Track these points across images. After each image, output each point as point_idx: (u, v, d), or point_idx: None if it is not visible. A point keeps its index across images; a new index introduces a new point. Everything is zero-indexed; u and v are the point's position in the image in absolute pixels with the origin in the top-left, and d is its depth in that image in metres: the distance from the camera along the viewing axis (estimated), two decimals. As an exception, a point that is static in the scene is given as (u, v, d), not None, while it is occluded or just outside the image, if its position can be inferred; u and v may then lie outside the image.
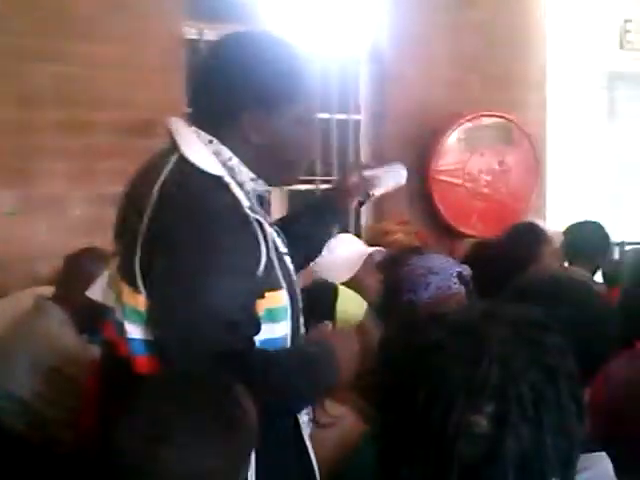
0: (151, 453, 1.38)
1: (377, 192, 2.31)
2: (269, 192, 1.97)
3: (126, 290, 1.72)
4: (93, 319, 2.82)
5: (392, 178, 2.31)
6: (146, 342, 1.71)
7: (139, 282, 1.69)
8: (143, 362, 1.72)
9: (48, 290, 3.05)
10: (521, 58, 5.65)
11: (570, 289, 1.90)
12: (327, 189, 2.30)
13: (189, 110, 1.90)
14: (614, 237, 4.43)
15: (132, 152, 4.05)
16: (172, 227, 1.67)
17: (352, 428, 2.29)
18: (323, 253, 3.11)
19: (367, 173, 2.29)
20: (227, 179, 1.75)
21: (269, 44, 1.85)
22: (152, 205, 1.70)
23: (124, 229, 1.82)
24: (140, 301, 1.69)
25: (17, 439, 2.66)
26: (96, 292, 2.78)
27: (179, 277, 1.66)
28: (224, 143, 1.80)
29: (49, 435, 2.68)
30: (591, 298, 1.90)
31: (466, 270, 2.79)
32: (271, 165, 1.85)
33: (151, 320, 1.69)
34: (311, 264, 3.11)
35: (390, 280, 2.82)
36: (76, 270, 2.92)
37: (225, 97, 1.79)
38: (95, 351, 2.86)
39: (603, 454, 1.58)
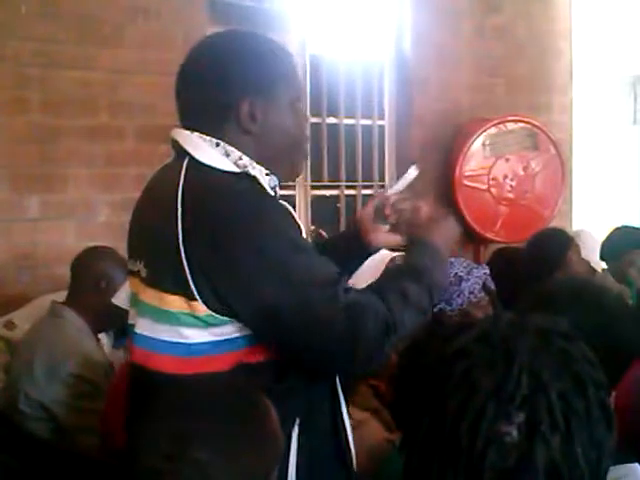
0: (173, 470, 1.35)
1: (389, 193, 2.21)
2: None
3: (174, 299, 1.69)
4: (109, 319, 2.84)
5: (401, 181, 2.20)
6: (216, 342, 1.69)
7: (193, 290, 1.66)
8: (202, 362, 1.70)
9: (64, 295, 3.06)
10: (546, 62, 5.64)
11: (591, 295, 1.87)
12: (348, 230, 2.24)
13: (184, 118, 1.86)
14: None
15: (157, 158, 4.08)
16: (228, 232, 1.64)
17: (373, 434, 2.29)
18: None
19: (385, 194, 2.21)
20: (252, 171, 1.76)
21: (252, 35, 1.89)
22: (182, 216, 1.67)
23: (147, 245, 1.80)
24: (197, 307, 1.66)
25: (42, 444, 2.67)
26: (121, 299, 2.80)
27: (274, 272, 1.64)
28: (228, 142, 1.78)
29: (72, 441, 2.68)
30: (612, 303, 1.87)
31: (487, 271, 2.78)
32: (272, 155, 1.83)
33: (265, 320, 1.67)
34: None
35: None
36: (82, 271, 2.94)
37: (220, 89, 1.78)
38: (120, 356, 2.88)
39: (636, 465, 1.56)
